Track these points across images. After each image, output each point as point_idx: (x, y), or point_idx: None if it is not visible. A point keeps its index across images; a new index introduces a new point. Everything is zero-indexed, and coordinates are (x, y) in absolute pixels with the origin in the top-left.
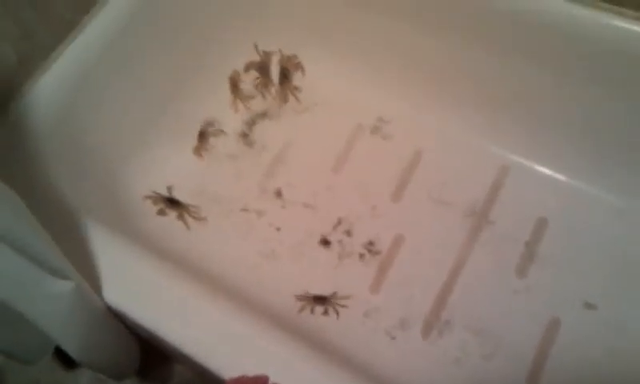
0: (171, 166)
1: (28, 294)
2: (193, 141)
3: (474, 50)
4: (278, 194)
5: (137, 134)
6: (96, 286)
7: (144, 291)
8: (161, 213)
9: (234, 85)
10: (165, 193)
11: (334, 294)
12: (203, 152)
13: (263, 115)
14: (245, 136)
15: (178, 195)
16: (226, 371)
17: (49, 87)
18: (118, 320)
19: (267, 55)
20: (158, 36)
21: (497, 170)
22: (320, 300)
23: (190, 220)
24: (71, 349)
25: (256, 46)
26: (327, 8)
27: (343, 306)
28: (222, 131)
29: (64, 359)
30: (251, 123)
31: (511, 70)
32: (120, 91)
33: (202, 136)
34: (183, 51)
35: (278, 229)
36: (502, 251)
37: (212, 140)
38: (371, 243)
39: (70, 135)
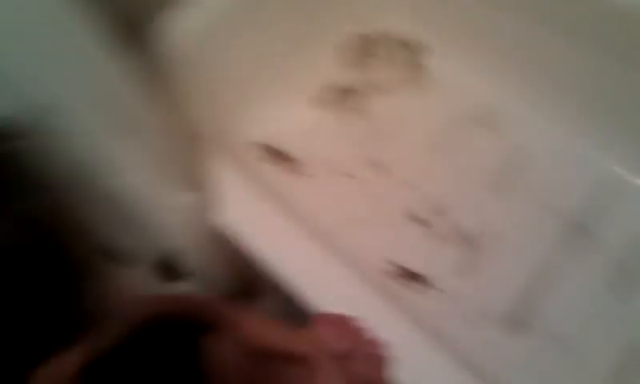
0: (287, 120)
1: (152, 203)
2: (312, 98)
3: (602, 59)
4: (382, 165)
5: (259, 83)
6: (214, 206)
7: (258, 221)
8: (269, 161)
9: (361, 51)
10: (276, 144)
11: (421, 275)
12: (321, 111)
13: (382, 87)
14: (361, 104)
15: (288, 149)
16: (317, 305)
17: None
18: (228, 242)
19: (396, 36)
20: None
21: (601, 181)
22: (407, 273)
23: (294, 173)
24: (181, 260)
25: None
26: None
27: (428, 285)
28: (343, 92)
29: (164, 270)
30: (370, 92)
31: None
32: (252, 39)
33: (324, 96)
34: (319, 11)
35: (374, 196)
36: (595, 263)
37: (331, 101)
38: (463, 230)
39: (200, 69)
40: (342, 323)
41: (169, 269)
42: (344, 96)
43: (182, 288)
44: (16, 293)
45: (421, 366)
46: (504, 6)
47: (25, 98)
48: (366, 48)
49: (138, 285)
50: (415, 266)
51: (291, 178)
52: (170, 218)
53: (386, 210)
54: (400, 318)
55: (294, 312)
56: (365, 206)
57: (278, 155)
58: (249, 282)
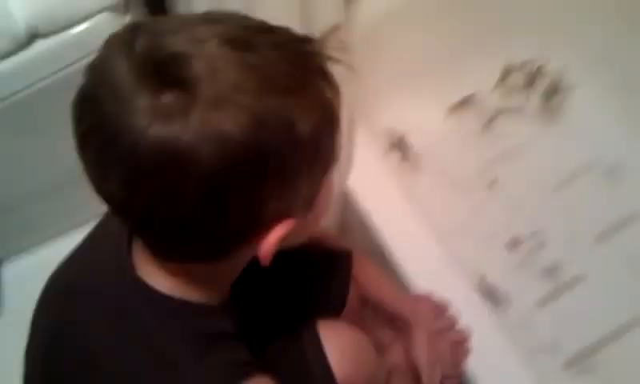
0: (422, 119)
1: None
2: (451, 107)
3: None
4: (494, 182)
5: (411, 79)
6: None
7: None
8: (394, 150)
9: (505, 74)
10: (399, 135)
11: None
12: (455, 121)
13: (515, 111)
14: (490, 120)
15: (412, 141)
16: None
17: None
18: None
19: (538, 66)
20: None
21: None
22: (491, 291)
23: (412, 169)
24: None
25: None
26: (611, 34)
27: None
28: (481, 109)
29: None
30: (500, 112)
31: None
32: (417, 40)
33: (462, 108)
34: (471, 30)
35: (477, 210)
36: None
37: (467, 115)
38: (555, 266)
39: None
40: (440, 306)
41: None
42: (480, 113)
43: None
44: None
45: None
46: None
47: None
48: (512, 74)
49: None
50: (502, 287)
51: (408, 172)
52: None
53: (489, 228)
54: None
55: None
56: (470, 218)
57: (404, 147)
58: None
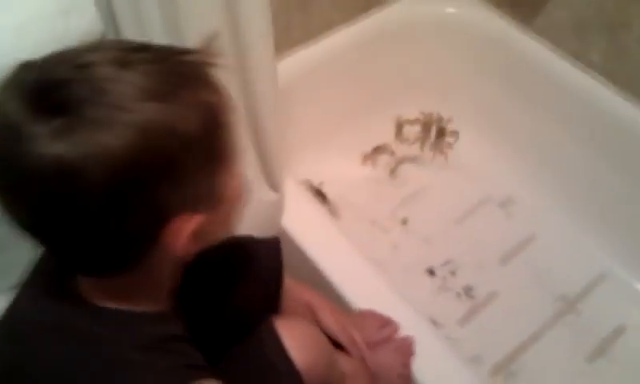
0: (336, 169)
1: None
2: (361, 157)
3: (612, 172)
4: (404, 221)
5: (320, 132)
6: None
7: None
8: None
9: (399, 128)
10: (316, 184)
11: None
12: (365, 169)
13: (413, 159)
14: (393, 169)
15: (327, 190)
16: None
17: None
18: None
19: (429, 116)
20: (357, 71)
21: (597, 272)
22: None
23: (326, 210)
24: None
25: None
26: (490, 93)
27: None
28: (387, 157)
29: None
30: (401, 161)
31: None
32: (330, 97)
33: (370, 154)
34: (372, 90)
35: (395, 247)
36: (578, 337)
37: (374, 163)
38: (470, 288)
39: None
40: (383, 318)
41: None
42: (386, 162)
43: None
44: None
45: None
46: (533, 105)
47: None
48: (410, 125)
49: None
50: (427, 310)
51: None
52: (256, 211)
53: (405, 261)
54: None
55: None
56: (386, 253)
57: (319, 194)
58: None
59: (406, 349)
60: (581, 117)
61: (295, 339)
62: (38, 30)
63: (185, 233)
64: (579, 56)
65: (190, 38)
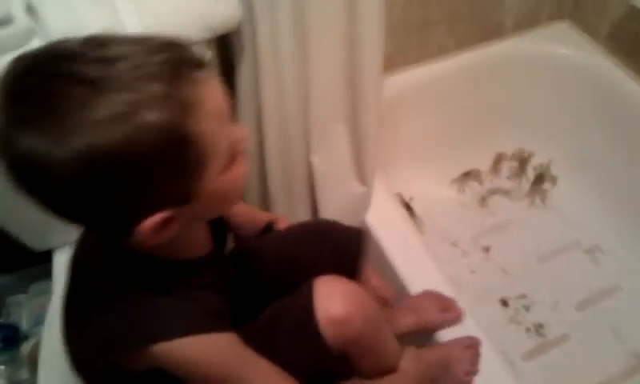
0: (428, 188)
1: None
2: (454, 181)
3: None
4: (486, 249)
5: (418, 150)
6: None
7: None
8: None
9: (497, 161)
10: (406, 199)
11: None
12: (456, 192)
13: (506, 192)
14: (484, 197)
15: (415, 205)
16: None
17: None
18: None
19: (529, 156)
20: (463, 98)
21: None
22: None
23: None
24: None
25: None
26: (594, 139)
27: None
28: (480, 187)
29: None
30: (494, 191)
31: None
32: (428, 117)
33: (462, 179)
34: (474, 118)
35: (473, 272)
36: None
37: (467, 190)
38: (541, 326)
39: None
40: (447, 300)
41: None
42: (480, 189)
43: None
44: None
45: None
46: (636, 157)
47: None
48: (507, 160)
49: None
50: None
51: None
52: (343, 200)
53: (480, 286)
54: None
55: None
56: (463, 276)
57: (407, 208)
58: None
59: (474, 349)
60: None
61: (331, 292)
62: (192, 11)
63: (149, 225)
64: None
65: (313, 27)
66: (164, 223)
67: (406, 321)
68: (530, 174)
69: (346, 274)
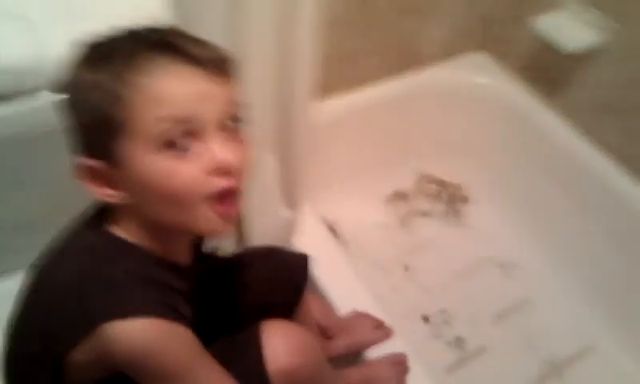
0: (348, 210)
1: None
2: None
3: (615, 251)
4: (406, 267)
5: (345, 174)
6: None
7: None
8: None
9: (418, 184)
10: (331, 221)
11: None
12: (382, 209)
13: (425, 213)
14: (404, 219)
15: (339, 227)
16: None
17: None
18: None
19: (446, 179)
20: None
21: (586, 343)
22: None
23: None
24: None
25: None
26: (508, 162)
27: None
28: (400, 203)
29: None
30: (414, 213)
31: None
32: (355, 142)
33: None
34: (398, 143)
35: (394, 289)
36: None
37: (389, 210)
38: (461, 340)
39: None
40: (377, 320)
41: None
42: (401, 211)
43: None
44: None
45: None
46: (548, 178)
47: None
48: (427, 183)
49: None
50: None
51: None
52: (269, 223)
53: (402, 304)
54: None
55: None
56: (385, 294)
57: (331, 230)
58: None
59: (401, 365)
60: (591, 194)
61: (282, 340)
62: None
63: (83, 166)
64: (597, 136)
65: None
66: (93, 172)
67: (341, 342)
68: (446, 195)
69: (290, 297)
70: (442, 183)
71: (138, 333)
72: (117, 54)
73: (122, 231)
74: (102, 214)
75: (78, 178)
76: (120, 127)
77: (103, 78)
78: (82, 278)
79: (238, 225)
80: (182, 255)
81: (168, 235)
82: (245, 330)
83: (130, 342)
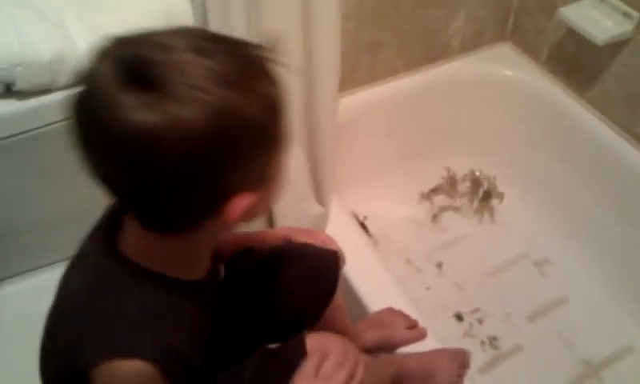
0: (378, 205)
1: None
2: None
3: None
4: (439, 265)
5: (372, 169)
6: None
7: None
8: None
9: (451, 182)
10: (360, 217)
11: None
12: (412, 211)
13: (456, 209)
14: (436, 215)
15: (369, 224)
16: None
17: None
18: None
19: (478, 174)
20: (413, 118)
21: (624, 343)
22: None
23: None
24: None
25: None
26: (539, 156)
27: None
28: (433, 205)
29: None
30: (445, 208)
31: None
32: (381, 137)
33: (431, 193)
34: (424, 137)
35: (428, 288)
36: None
37: (421, 208)
38: (495, 339)
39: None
40: (411, 321)
41: None
42: (431, 207)
43: None
44: None
45: None
46: (580, 172)
47: None
48: (458, 178)
49: None
50: None
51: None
52: (300, 220)
53: (435, 302)
54: None
55: None
56: (418, 292)
57: (362, 227)
58: None
59: (461, 360)
60: (626, 189)
61: (325, 356)
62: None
63: (241, 208)
64: (628, 128)
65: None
66: (246, 209)
67: (373, 336)
68: (480, 191)
69: (321, 297)
70: (472, 178)
71: (120, 373)
72: (249, 68)
73: (134, 249)
74: (115, 224)
75: (231, 226)
76: (279, 142)
77: (256, 96)
78: (80, 311)
79: (269, 221)
80: (202, 268)
81: (204, 247)
82: (287, 343)
83: (110, 380)
